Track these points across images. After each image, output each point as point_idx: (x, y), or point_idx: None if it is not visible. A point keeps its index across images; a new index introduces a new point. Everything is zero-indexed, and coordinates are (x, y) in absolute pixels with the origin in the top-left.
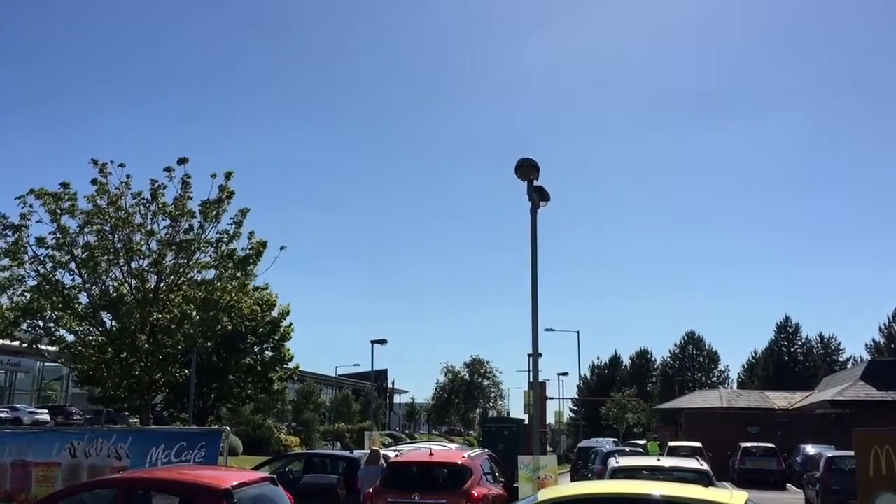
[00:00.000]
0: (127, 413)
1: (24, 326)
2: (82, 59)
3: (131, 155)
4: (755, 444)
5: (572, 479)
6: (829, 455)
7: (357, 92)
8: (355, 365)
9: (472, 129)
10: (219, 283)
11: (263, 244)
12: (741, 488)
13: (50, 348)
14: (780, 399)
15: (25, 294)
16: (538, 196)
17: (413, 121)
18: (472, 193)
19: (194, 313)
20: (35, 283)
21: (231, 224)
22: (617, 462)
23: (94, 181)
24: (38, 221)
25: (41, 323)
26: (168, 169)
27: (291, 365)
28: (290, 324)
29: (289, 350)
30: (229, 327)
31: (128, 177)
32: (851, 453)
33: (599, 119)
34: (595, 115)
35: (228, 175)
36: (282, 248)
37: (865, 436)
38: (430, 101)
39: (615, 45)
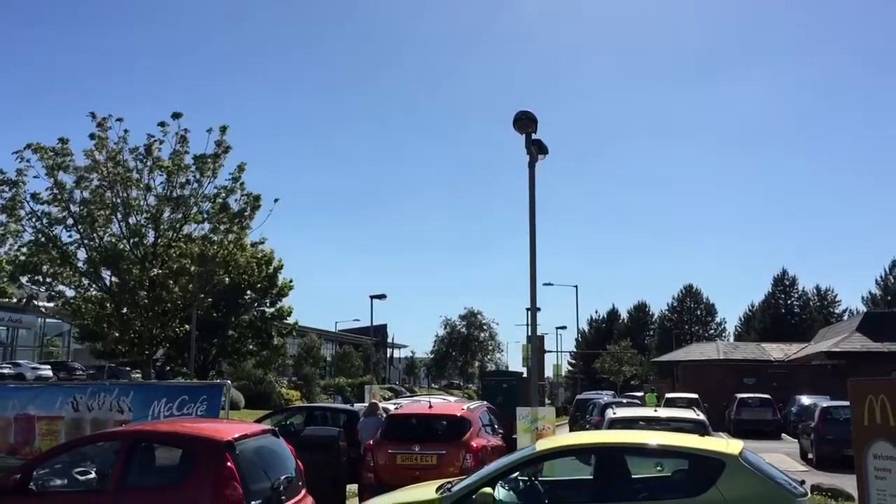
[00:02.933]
0: (128, 368)
1: (24, 280)
2: (81, 18)
3: (131, 112)
4: (751, 395)
5: (571, 430)
6: (824, 405)
7: (355, 47)
8: (355, 320)
9: (472, 82)
10: (215, 238)
11: (257, 198)
12: (737, 438)
13: (48, 304)
14: (776, 351)
15: (23, 249)
16: (536, 149)
17: (412, 75)
18: (471, 147)
19: (192, 268)
20: (32, 238)
21: (229, 179)
22: (614, 413)
23: (92, 136)
24: (35, 177)
25: (40, 278)
26: (162, 124)
27: (291, 321)
28: (290, 280)
29: (289, 307)
30: (226, 281)
31: (125, 132)
32: (846, 403)
33: (599, 72)
34: (595, 68)
35: (224, 129)
36: (276, 201)
37: (860, 385)
38: (429, 55)
39: None
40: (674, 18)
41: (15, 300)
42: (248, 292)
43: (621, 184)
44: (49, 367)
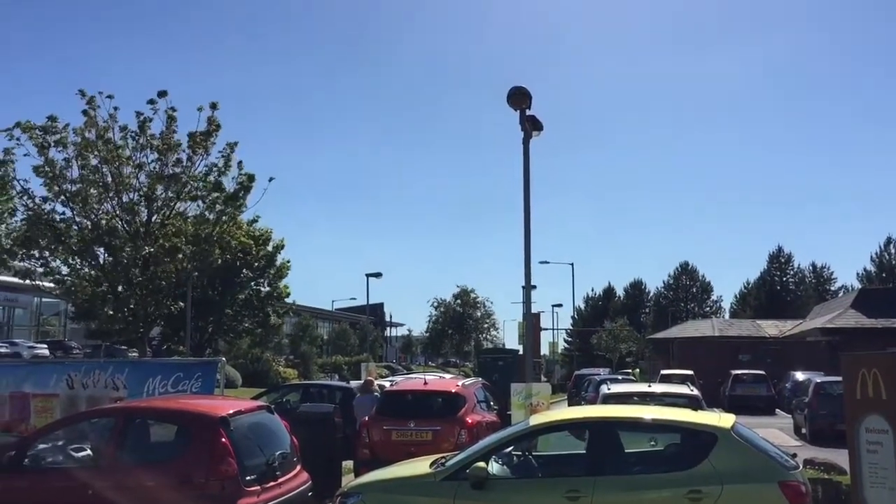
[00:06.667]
0: (124, 347)
1: (19, 257)
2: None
3: (119, 89)
4: (746, 371)
5: (569, 406)
6: (818, 380)
7: (344, 23)
8: (351, 299)
9: (467, 57)
10: (210, 217)
11: (251, 177)
12: (731, 414)
13: (46, 284)
14: (771, 328)
15: (16, 226)
16: (531, 125)
17: (407, 52)
18: (465, 122)
19: (185, 247)
20: (24, 216)
21: (220, 157)
22: (609, 389)
23: (84, 112)
24: (25, 155)
25: (36, 253)
26: (151, 101)
27: (288, 300)
28: (288, 260)
29: (286, 287)
30: (220, 261)
31: (115, 109)
32: (839, 379)
33: (596, 43)
34: (592, 39)
35: (214, 106)
36: (270, 180)
37: (853, 360)
38: (420, 28)
39: None
40: None
41: (14, 278)
42: (245, 270)
43: (617, 160)
44: (46, 345)
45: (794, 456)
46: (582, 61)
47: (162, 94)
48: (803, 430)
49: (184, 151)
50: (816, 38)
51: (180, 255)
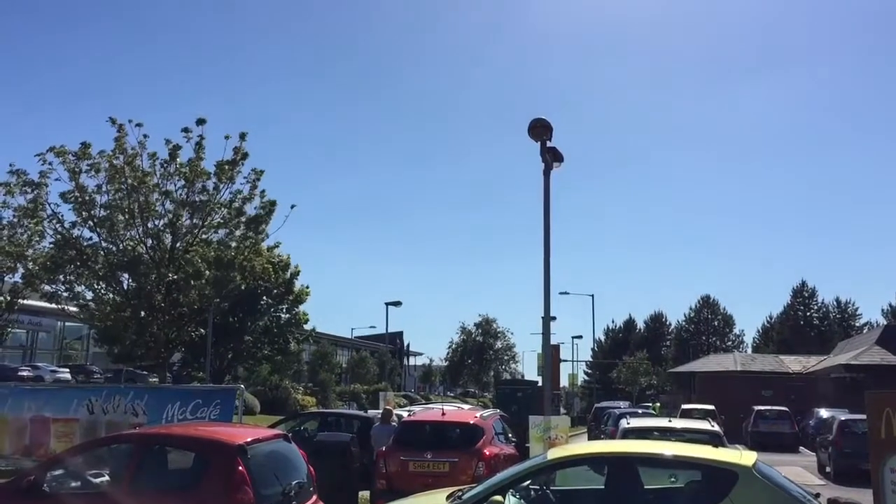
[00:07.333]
0: (146, 372)
1: (46, 280)
2: (106, 27)
3: (147, 120)
4: (768, 407)
5: (589, 439)
6: (843, 418)
7: (371, 53)
8: (371, 327)
9: (489, 91)
10: (231, 243)
11: (273, 203)
12: (754, 451)
13: (72, 308)
14: (794, 363)
15: (44, 249)
16: (551, 157)
17: (433, 84)
18: (486, 153)
19: (207, 272)
20: (53, 240)
21: (245, 184)
22: (628, 423)
23: (116, 139)
24: (56, 180)
25: (62, 277)
26: (186, 130)
27: (308, 327)
28: (306, 287)
29: (305, 313)
30: (242, 287)
31: (145, 136)
32: (864, 417)
33: (621, 75)
34: (617, 71)
35: (243, 136)
36: (293, 207)
37: (877, 398)
38: (448, 64)
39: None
40: (688, 24)
41: (40, 302)
42: (265, 298)
43: (638, 192)
44: (67, 369)
45: (818, 496)
46: (606, 90)
47: (200, 121)
48: (827, 469)
49: (210, 180)
50: (838, 73)
51: (203, 281)
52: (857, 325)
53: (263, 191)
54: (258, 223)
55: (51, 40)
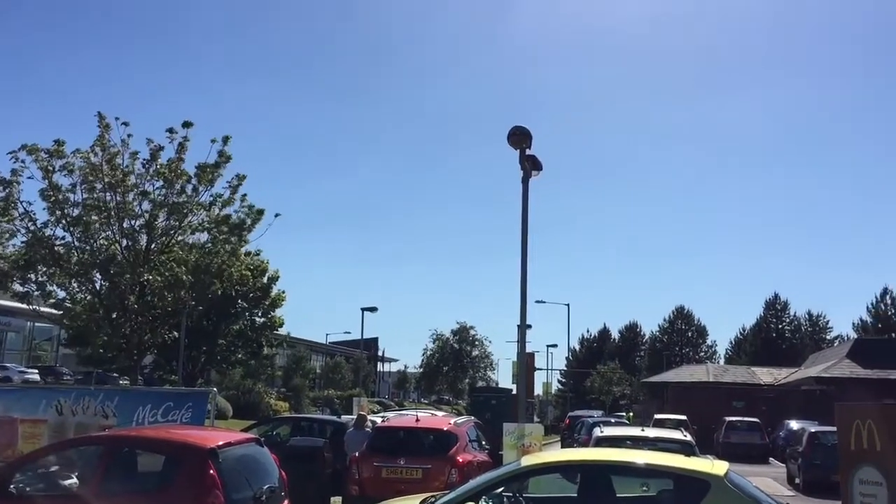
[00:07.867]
0: (116, 374)
1: (17, 280)
2: (87, 25)
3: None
4: (739, 418)
5: (563, 447)
6: (812, 430)
7: (348, 59)
8: (346, 332)
9: (468, 97)
10: (212, 248)
11: (260, 212)
12: (724, 461)
13: (43, 309)
14: (766, 375)
15: (15, 247)
16: (530, 165)
17: (407, 89)
18: (466, 161)
19: (185, 277)
20: (25, 239)
21: (226, 188)
22: (602, 431)
23: (98, 136)
24: (29, 178)
25: (34, 277)
26: (171, 130)
27: (282, 332)
28: (283, 291)
29: (280, 317)
30: (219, 292)
31: (129, 136)
32: (834, 429)
33: (595, 84)
34: (590, 79)
35: (226, 139)
36: (276, 216)
37: (848, 410)
38: (426, 69)
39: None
40: (673, 27)
41: (10, 297)
42: (240, 301)
43: (615, 202)
44: (37, 370)
45: None
46: (582, 103)
47: (187, 124)
48: (797, 480)
49: (189, 182)
50: (815, 90)
51: (182, 292)
52: (828, 338)
53: (245, 195)
54: (241, 229)
55: (29, 39)
